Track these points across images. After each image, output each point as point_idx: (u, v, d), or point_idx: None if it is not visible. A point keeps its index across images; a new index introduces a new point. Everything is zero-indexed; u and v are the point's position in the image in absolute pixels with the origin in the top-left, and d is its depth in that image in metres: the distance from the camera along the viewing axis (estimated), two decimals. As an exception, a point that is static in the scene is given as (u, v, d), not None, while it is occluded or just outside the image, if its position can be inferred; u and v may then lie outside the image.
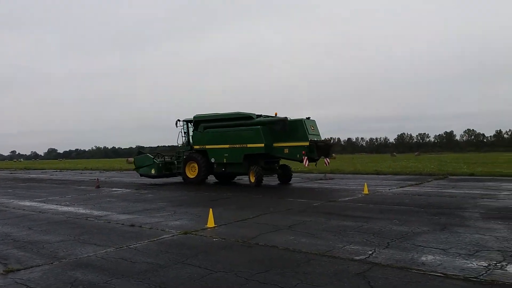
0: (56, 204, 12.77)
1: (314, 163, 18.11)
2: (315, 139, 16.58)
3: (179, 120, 20.02)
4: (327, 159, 17.33)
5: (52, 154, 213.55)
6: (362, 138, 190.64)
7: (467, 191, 13.70)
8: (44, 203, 13.27)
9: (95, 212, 10.77)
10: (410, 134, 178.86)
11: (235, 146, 17.60)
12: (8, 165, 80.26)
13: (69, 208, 11.84)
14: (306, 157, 16.17)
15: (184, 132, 20.21)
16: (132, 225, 8.63)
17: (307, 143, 16.12)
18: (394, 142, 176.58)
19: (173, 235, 7.52)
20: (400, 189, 15.13)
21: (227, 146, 17.84)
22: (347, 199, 12.35)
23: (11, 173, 40.24)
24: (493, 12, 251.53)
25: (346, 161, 51.59)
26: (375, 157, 76.59)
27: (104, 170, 40.59)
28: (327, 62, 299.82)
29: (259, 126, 17.22)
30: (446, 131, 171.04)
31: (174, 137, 21.00)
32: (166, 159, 20.91)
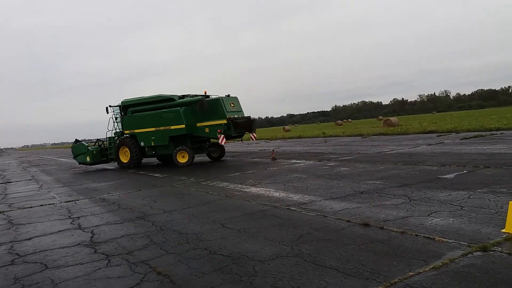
0: (241, 184, 10.68)
1: (240, 139, 19.12)
2: (235, 116, 16.83)
3: (110, 106, 19.78)
4: (253, 134, 17.78)
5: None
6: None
7: None
8: (227, 182, 11.39)
9: (294, 196, 8.10)
10: None
11: (159, 128, 17.88)
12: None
13: (257, 189, 9.51)
14: (222, 135, 16.45)
15: (116, 118, 20.08)
16: (366, 225, 5.51)
17: (224, 121, 16.49)
18: None
19: (464, 254, 4.11)
20: None
21: (153, 129, 18.12)
22: None
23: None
24: None
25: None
26: None
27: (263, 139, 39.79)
28: None
29: (179, 108, 17.41)
30: None
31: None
32: (105, 146, 20.81)
